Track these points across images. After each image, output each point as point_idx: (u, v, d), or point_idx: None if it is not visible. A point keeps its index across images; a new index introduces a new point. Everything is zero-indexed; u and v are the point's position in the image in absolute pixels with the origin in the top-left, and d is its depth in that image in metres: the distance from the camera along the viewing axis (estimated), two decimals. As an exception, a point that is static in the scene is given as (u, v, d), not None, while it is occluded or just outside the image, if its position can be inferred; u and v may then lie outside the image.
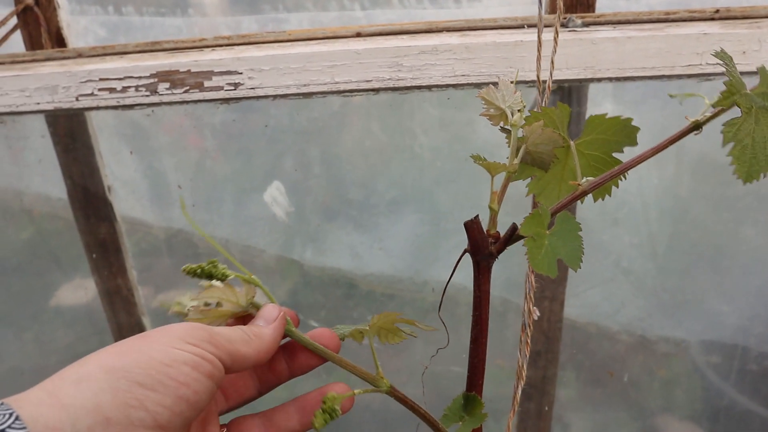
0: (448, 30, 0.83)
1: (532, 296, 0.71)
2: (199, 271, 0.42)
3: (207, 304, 0.43)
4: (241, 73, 0.78)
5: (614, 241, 1.09)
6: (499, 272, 1.14)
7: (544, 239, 0.43)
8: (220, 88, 0.79)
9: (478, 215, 0.47)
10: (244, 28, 0.94)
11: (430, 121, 0.95)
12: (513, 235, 0.46)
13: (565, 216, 0.45)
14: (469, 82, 0.76)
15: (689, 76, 0.76)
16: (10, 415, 0.32)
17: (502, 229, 0.48)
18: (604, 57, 0.75)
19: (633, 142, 0.48)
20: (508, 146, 0.50)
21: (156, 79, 0.80)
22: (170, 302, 0.43)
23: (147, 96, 0.80)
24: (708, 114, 0.45)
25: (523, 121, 0.49)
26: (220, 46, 0.84)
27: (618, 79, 0.76)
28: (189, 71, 0.79)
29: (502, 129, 0.51)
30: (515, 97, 0.50)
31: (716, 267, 1.12)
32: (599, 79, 0.76)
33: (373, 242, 1.06)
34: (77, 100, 0.81)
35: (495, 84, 0.51)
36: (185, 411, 0.37)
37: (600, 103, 0.97)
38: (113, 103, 0.81)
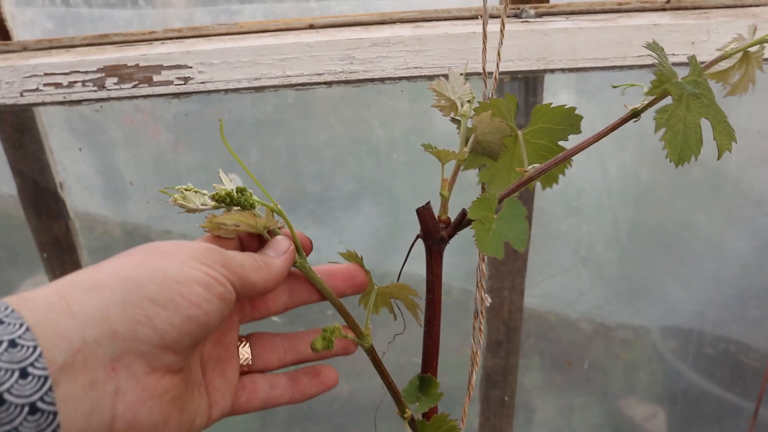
0: (402, 21, 0.82)
1: (483, 284, 0.73)
2: (228, 199, 0.42)
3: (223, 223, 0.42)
4: (191, 68, 0.77)
5: (573, 230, 1.10)
6: (458, 263, 1.15)
7: (492, 223, 0.45)
8: (170, 83, 0.77)
9: (429, 201, 0.48)
10: (197, 20, 0.92)
11: (386, 113, 0.95)
12: (463, 220, 0.47)
13: (512, 201, 0.46)
14: (422, 74, 0.75)
15: (641, 66, 0.76)
16: (21, 325, 0.31)
17: (454, 216, 0.49)
18: (557, 48, 0.75)
19: (577, 130, 0.51)
20: (459, 136, 0.52)
21: (103, 74, 0.78)
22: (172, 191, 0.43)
23: (94, 91, 0.78)
24: (646, 102, 0.46)
25: (473, 112, 0.51)
26: (171, 39, 0.82)
27: (570, 69, 0.76)
28: (137, 65, 0.77)
29: (453, 119, 0.53)
30: (465, 89, 0.52)
31: (673, 254, 1.14)
32: (552, 70, 0.76)
33: (332, 236, 1.05)
34: (21, 95, 0.78)
35: (446, 76, 0.53)
36: (194, 331, 0.36)
37: (557, 94, 0.97)
38: (59, 98, 0.78)
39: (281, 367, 0.47)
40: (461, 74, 0.53)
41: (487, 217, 0.45)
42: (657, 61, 0.45)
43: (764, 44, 0.49)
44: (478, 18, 0.83)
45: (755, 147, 1.02)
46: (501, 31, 0.68)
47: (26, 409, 0.29)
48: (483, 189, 0.60)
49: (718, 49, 0.51)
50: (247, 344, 0.45)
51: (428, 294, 0.50)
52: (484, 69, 0.69)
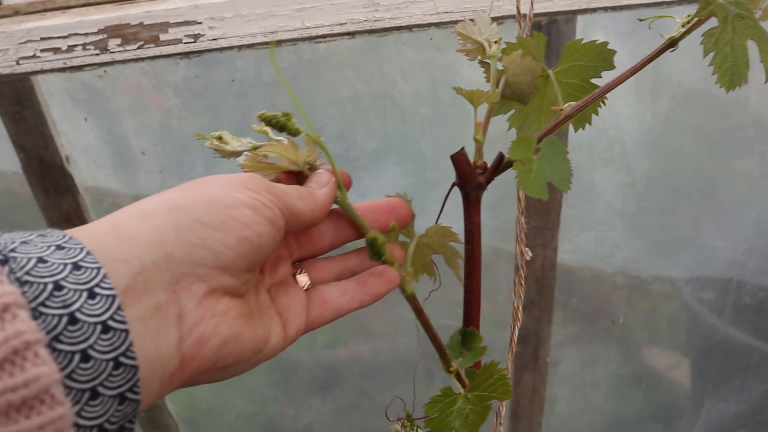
0: (426, -38, 0.75)
1: (523, 237, 0.69)
2: (273, 120, 0.41)
3: (264, 156, 0.42)
4: (200, 23, 0.71)
5: (606, 182, 1.05)
6: (486, 221, 1.10)
7: (533, 163, 0.43)
8: (179, 41, 0.71)
9: (463, 147, 0.46)
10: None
11: (409, 65, 0.89)
12: (501, 164, 0.46)
13: (552, 140, 0.44)
14: (453, 19, 0.69)
15: (690, 1, 0.70)
16: (81, 249, 0.31)
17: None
18: (599, -16, 0.68)
19: (610, 66, 0.48)
20: (487, 81, 0.49)
21: (105, 35, 0.72)
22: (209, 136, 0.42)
23: (97, 55, 0.72)
24: (683, 30, 0.44)
25: (501, 53, 0.49)
26: (175, -7, 0.75)
27: (613, 8, 0.70)
28: (141, 24, 0.71)
29: (481, 62, 0.50)
30: (492, 29, 0.49)
31: (710, 202, 1.09)
32: (593, 9, 0.70)
33: (356, 198, 1.00)
34: (18, 63, 0.72)
35: (471, 19, 0.50)
36: (249, 253, 0.36)
37: (590, 36, 0.90)
38: (59, 65, 0.72)
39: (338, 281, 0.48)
40: (487, 15, 0.50)
41: (527, 158, 0.43)
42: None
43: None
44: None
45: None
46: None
47: (99, 327, 0.29)
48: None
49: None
50: (304, 270, 0.46)
51: (467, 244, 0.48)
52: (518, 9, 0.63)
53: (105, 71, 0.81)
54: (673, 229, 1.10)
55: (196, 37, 0.71)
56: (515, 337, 0.70)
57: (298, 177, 0.44)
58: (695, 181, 1.07)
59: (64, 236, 0.31)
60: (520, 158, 0.43)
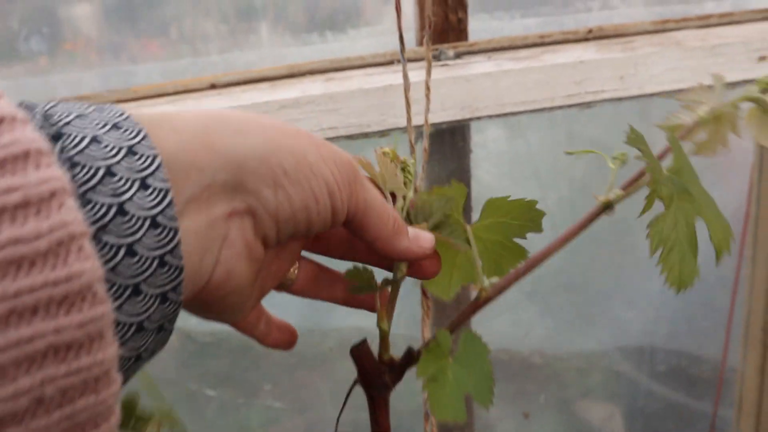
0: (312, 72, 0.75)
1: (435, 422, 0.64)
2: None
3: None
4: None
5: (515, 264, 1.06)
6: (400, 310, 1.09)
7: (447, 372, 0.37)
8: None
9: (365, 339, 0.39)
10: (85, 85, 0.83)
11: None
12: (410, 360, 0.39)
13: (470, 336, 0.38)
14: (339, 135, 0.68)
15: (570, 106, 0.72)
16: (138, 132, 0.28)
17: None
18: (482, 94, 0.69)
19: (538, 228, 0.42)
20: None
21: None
22: None
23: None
24: (617, 190, 0.40)
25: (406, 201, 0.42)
26: (53, 114, 0.72)
27: (498, 116, 0.71)
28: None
29: None
30: (397, 180, 0.40)
31: (617, 276, 1.11)
32: (478, 118, 0.71)
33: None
34: None
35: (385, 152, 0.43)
36: (299, 223, 0.33)
37: (484, 130, 0.92)
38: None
39: (314, 299, 0.43)
40: (391, 160, 0.40)
41: (441, 368, 0.36)
42: (642, 154, 0.37)
43: (738, 104, 0.42)
44: (393, 63, 0.77)
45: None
46: (426, 83, 0.61)
47: (148, 222, 0.27)
48: (423, 293, 0.53)
49: (682, 105, 0.45)
50: (297, 266, 0.41)
51: None
52: (409, 125, 0.63)
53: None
54: (585, 305, 1.11)
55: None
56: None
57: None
58: (601, 258, 1.09)
59: (122, 114, 0.28)
60: (432, 375, 0.36)
